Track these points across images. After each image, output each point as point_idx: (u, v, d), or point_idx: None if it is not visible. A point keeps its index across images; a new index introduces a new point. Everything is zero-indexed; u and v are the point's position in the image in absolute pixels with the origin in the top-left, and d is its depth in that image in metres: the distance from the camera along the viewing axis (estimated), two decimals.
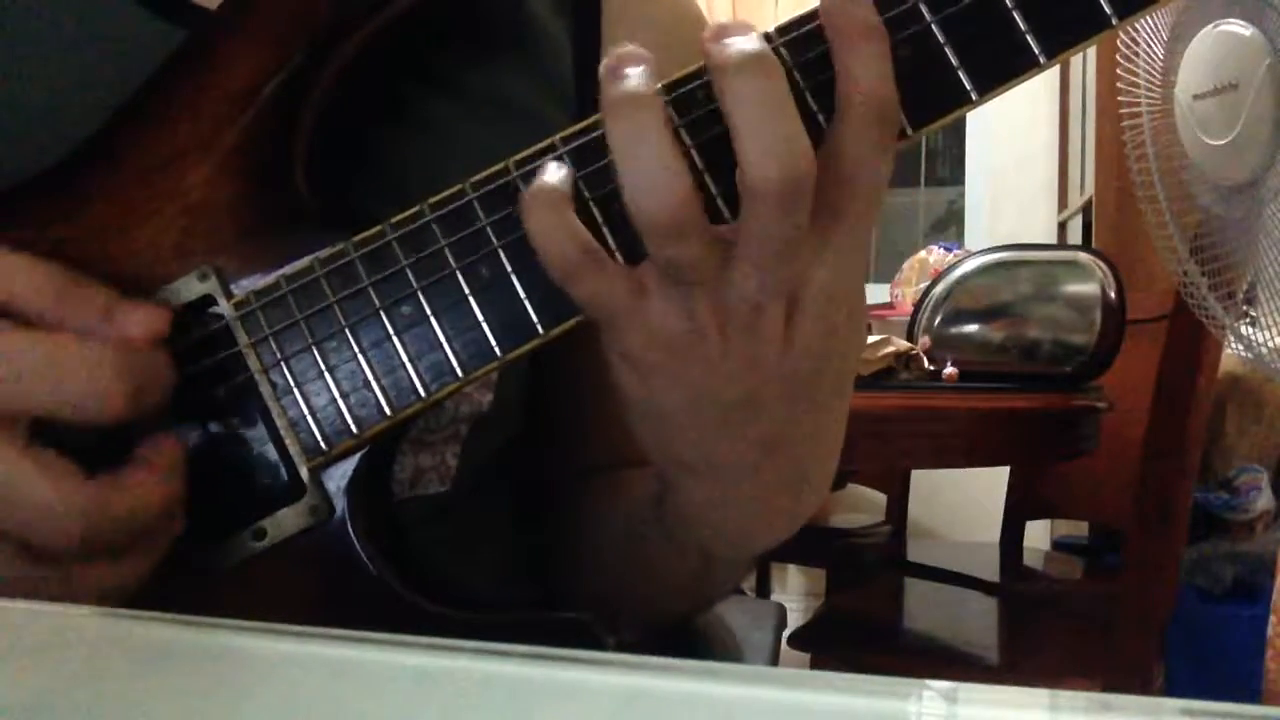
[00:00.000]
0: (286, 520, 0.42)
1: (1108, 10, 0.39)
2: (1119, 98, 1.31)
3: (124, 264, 0.43)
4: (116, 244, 0.43)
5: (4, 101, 0.47)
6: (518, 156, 0.41)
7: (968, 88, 0.39)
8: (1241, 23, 1.09)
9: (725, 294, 0.39)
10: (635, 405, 0.43)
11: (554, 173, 0.39)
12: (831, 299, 0.40)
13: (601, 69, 0.38)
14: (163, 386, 0.40)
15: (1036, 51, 0.39)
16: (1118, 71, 1.30)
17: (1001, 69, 0.39)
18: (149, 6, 0.48)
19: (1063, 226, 3.02)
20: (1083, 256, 1.63)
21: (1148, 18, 1.23)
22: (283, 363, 0.42)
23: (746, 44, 0.37)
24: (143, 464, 0.40)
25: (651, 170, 0.37)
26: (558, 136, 0.41)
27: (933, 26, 0.39)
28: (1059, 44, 0.39)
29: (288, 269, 0.42)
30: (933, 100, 0.39)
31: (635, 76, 0.38)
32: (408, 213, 0.42)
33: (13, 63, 0.47)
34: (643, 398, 0.42)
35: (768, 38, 0.40)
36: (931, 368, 1.52)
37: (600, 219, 0.40)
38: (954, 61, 0.39)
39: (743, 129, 0.37)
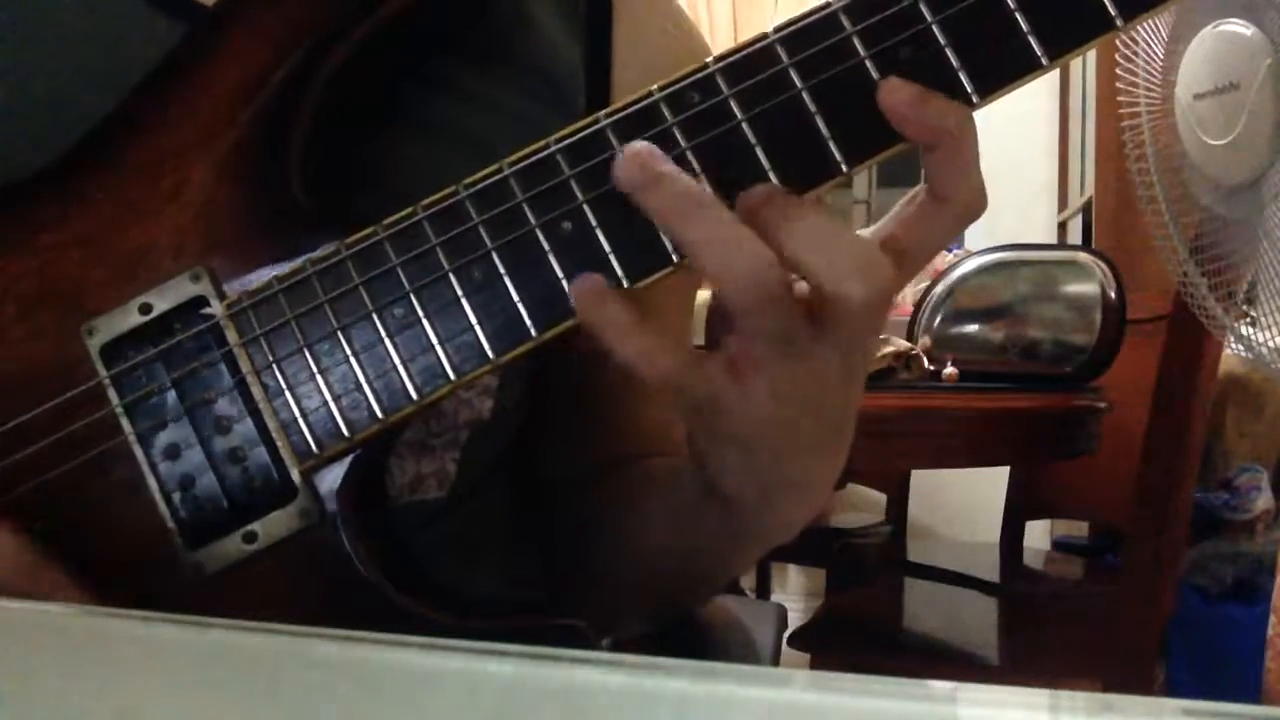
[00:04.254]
0: (277, 523, 0.41)
1: (1113, 11, 0.39)
2: (1119, 98, 1.31)
3: (117, 264, 0.42)
4: (112, 242, 0.43)
5: (4, 97, 0.46)
6: (511, 158, 0.41)
7: (969, 90, 0.39)
8: (1241, 23, 1.09)
9: (822, 364, 0.40)
10: (713, 456, 0.44)
11: (617, 308, 0.39)
12: (879, 331, 0.43)
13: (625, 177, 0.39)
14: None
15: (1039, 53, 0.39)
16: (1118, 71, 1.29)
17: (1003, 70, 0.39)
18: (151, 2, 0.48)
19: (1063, 226, 3.02)
20: (1083, 256, 1.63)
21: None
22: (274, 364, 0.41)
23: (786, 199, 0.39)
24: None
25: (740, 257, 0.38)
26: (552, 138, 0.41)
27: (934, 27, 0.39)
28: (1062, 46, 0.39)
29: (280, 269, 0.42)
30: None
31: (677, 175, 0.38)
32: (400, 214, 0.41)
33: (13, 57, 0.47)
34: (724, 450, 0.44)
35: (763, 36, 0.40)
36: (931, 368, 1.52)
37: (595, 222, 0.40)
38: (955, 63, 0.39)
39: (816, 268, 0.38)
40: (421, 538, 0.48)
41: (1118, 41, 1.28)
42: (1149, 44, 1.25)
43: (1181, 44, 1.19)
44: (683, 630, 0.61)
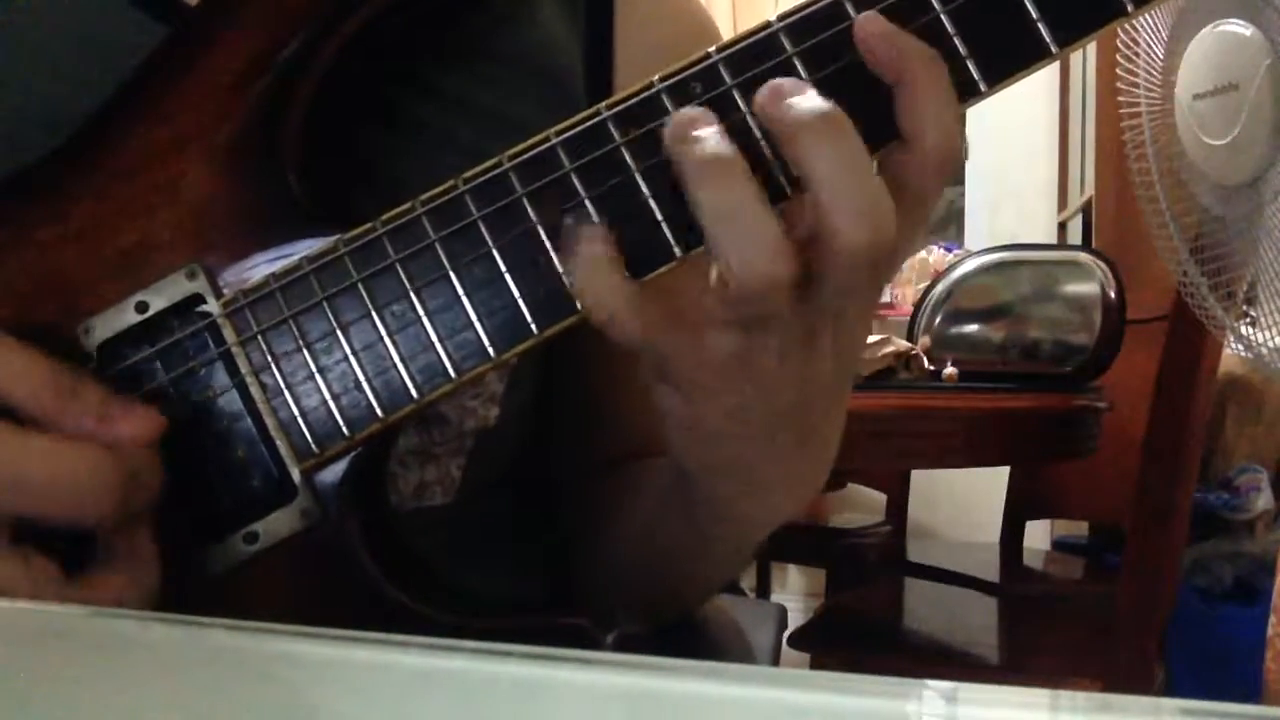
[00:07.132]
0: (278, 523, 0.41)
1: None
2: (1119, 98, 1.31)
3: (113, 261, 0.42)
4: (106, 241, 0.42)
5: None
6: (511, 151, 0.40)
7: (976, 78, 0.39)
8: (1241, 23, 1.09)
9: (788, 325, 0.39)
10: (677, 421, 0.43)
11: (595, 239, 0.38)
12: (872, 308, 0.41)
13: (669, 134, 0.38)
14: (152, 489, 0.39)
15: (1048, 41, 0.38)
16: (1118, 71, 1.29)
17: (1011, 59, 0.39)
18: (136, 4, 0.48)
19: (1063, 226, 3.01)
20: (1083, 256, 1.64)
21: (1148, 17, 1.23)
22: (272, 363, 0.41)
23: (816, 103, 0.37)
24: (115, 563, 0.39)
25: (754, 235, 0.36)
26: (552, 130, 0.40)
27: (942, 17, 0.38)
28: (1071, 33, 0.38)
29: (277, 267, 0.41)
30: None
31: (713, 138, 0.37)
32: (398, 209, 0.41)
33: None
34: (686, 415, 0.42)
35: (766, 25, 0.39)
36: (931, 368, 1.52)
37: (596, 217, 0.39)
38: (963, 51, 0.38)
39: (827, 197, 0.36)
40: (424, 541, 0.48)
41: (1118, 42, 1.28)
42: (1149, 44, 1.25)
43: (1181, 44, 1.19)
44: (679, 629, 0.61)
